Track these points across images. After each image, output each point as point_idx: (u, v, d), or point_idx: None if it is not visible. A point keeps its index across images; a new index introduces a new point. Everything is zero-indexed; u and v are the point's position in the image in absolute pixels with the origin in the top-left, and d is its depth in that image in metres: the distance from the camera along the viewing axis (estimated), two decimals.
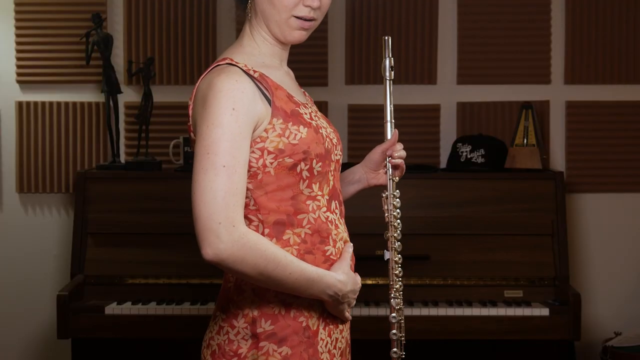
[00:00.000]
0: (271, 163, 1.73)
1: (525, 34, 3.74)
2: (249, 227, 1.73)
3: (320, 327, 1.81)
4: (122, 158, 3.66)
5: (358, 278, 1.86)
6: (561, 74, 3.75)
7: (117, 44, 3.67)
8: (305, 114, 1.81)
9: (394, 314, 1.94)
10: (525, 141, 3.52)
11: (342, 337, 1.88)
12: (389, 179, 1.98)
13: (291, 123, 1.75)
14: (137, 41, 3.71)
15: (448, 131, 3.74)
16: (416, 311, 3.08)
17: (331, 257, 1.81)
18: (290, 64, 1.95)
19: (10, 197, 3.74)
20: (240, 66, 1.76)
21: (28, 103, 3.70)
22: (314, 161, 1.77)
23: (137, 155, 3.56)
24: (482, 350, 3.25)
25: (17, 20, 3.69)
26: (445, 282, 3.23)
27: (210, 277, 3.21)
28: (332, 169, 1.84)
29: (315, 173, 1.78)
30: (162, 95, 3.68)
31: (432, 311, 3.10)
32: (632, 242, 3.76)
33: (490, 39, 3.74)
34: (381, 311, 3.06)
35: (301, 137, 1.75)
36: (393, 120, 2.00)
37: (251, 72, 1.76)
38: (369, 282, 3.14)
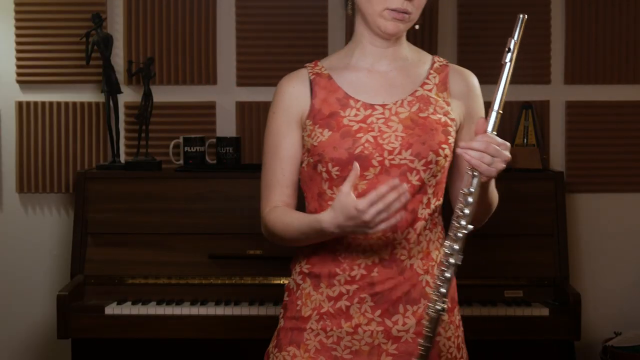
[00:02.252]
0: (305, 160, 1.92)
1: (525, 34, 3.72)
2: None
3: (314, 318, 1.88)
4: (122, 158, 3.66)
5: (348, 201, 1.70)
6: (561, 74, 3.75)
7: (117, 44, 3.67)
8: (348, 117, 1.86)
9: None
10: (525, 141, 3.52)
11: (355, 339, 1.87)
12: (467, 171, 1.78)
13: (318, 125, 1.87)
14: (137, 41, 3.71)
15: None
16: None
17: (340, 258, 1.87)
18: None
19: (10, 197, 3.74)
20: (309, 68, 1.95)
21: (28, 103, 3.70)
22: (330, 165, 1.84)
23: (137, 155, 3.56)
24: (482, 350, 3.24)
25: (17, 20, 3.69)
26: None
27: (210, 277, 3.21)
28: (367, 173, 1.83)
29: (334, 177, 1.85)
30: (162, 95, 3.68)
31: None
32: (632, 242, 3.76)
33: (490, 39, 3.74)
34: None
35: (321, 140, 1.86)
36: (500, 112, 1.82)
37: (314, 72, 1.93)
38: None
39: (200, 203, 3.28)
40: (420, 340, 1.77)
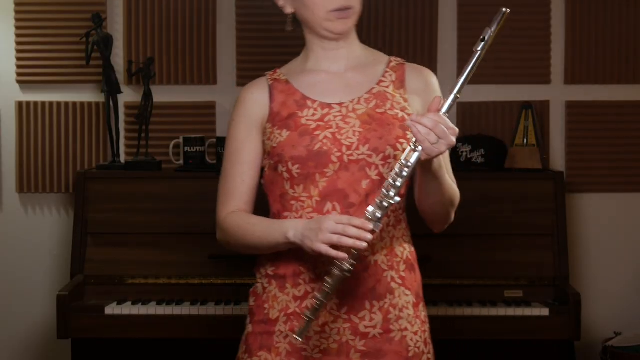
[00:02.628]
0: (267, 164, 1.95)
1: (525, 34, 3.74)
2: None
3: (281, 320, 1.90)
4: (122, 158, 3.66)
5: (320, 219, 1.75)
6: (561, 74, 3.75)
7: (117, 44, 3.67)
8: (306, 117, 1.90)
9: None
10: (525, 141, 3.52)
11: (323, 338, 1.88)
12: (410, 145, 1.75)
13: (277, 127, 1.92)
14: (137, 41, 3.71)
15: None
16: None
17: (304, 257, 1.88)
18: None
19: (10, 197, 3.74)
20: (269, 75, 2.02)
21: (28, 103, 3.70)
22: (290, 163, 1.87)
23: (137, 155, 3.56)
24: (482, 350, 3.25)
25: (17, 20, 3.69)
26: (445, 282, 3.23)
27: (210, 277, 3.21)
28: (327, 170, 1.86)
29: (295, 175, 1.88)
30: (162, 95, 3.68)
31: (432, 311, 3.08)
32: (632, 242, 3.76)
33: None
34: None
35: (280, 140, 1.90)
36: (459, 96, 1.76)
37: (273, 79, 1.99)
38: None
39: (200, 203, 3.27)
40: (319, 296, 1.76)
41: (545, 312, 3.10)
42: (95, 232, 3.29)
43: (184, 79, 3.73)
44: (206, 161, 3.54)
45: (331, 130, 1.88)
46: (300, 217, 1.87)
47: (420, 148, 1.72)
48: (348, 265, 1.74)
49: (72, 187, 3.69)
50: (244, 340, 1.97)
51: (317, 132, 1.88)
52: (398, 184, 1.74)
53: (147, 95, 3.54)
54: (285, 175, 1.89)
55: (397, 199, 1.74)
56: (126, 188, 3.34)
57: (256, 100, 1.97)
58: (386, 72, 1.97)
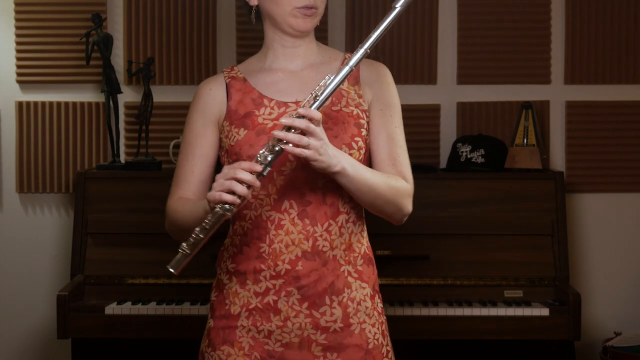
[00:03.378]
0: (225, 161, 1.97)
1: (525, 34, 3.74)
2: None
3: (243, 315, 1.93)
4: (122, 158, 3.66)
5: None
6: (561, 74, 3.75)
7: (117, 44, 3.67)
8: (262, 115, 1.92)
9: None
10: (525, 141, 3.52)
11: (285, 332, 1.91)
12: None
13: (234, 126, 1.93)
14: (137, 41, 3.71)
15: (448, 131, 3.74)
16: (416, 311, 3.08)
17: (264, 254, 1.91)
18: None
19: (10, 197, 3.74)
20: (226, 72, 2.03)
21: (28, 103, 3.70)
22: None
23: (137, 155, 3.56)
24: (482, 350, 3.25)
25: (17, 20, 3.69)
26: (445, 282, 3.23)
27: (210, 277, 3.20)
28: (284, 169, 1.89)
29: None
30: (162, 95, 3.68)
31: (432, 311, 3.10)
32: (632, 242, 3.76)
33: (490, 39, 3.74)
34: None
35: (237, 139, 1.92)
36: (368, 51, 1.82)
37: (230, 76, 2.00)
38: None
39: None
40: (197, 230, 1.81)
41: (545, 312, 3.10)
42: (95, 232, 3.29)
43: (184, 79, 3.73)
44: None
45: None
46: (259, 215, 1.91)
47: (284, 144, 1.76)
48: (233, 208, 1.77)
49: (72, 187, 3.69)
50: (206, 333, 2.02)
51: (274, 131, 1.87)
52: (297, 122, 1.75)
53: (147, 95, 3.54)
54: None
55: (290, 145, 1.75)
56: (126, 188, 3.34)
57: (213, 96, 1.99)
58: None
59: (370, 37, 1.83)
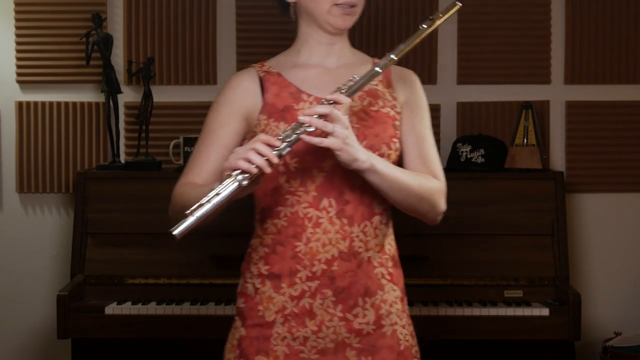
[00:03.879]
0: None
1: (525, 34, 3.74)
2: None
3: (278, 322, 1.88)
4: (122, 158, 3.66)
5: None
6: (561, 74, 3.75)
7: (117, 44, 3.67)
8: (302, 109, 1.88)
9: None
10: (525, 141, 3.52)
11: (320, 338, 1.88)
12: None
13: (273, 119, 1.89)
14: (137, 41, 3.71)
15: (448, 131, 3.74)
16: (416, 311, 3.08)
17: (299, 254, 1.87)
18: None
19: (10, 197, 3.74)
20: (257, 67, 1.99)
21: (28, 103, 3.70)
22: (288, 157, 1.83)
23: (137, 155, 3.56)
24: (482, 350, 3.25)
25: (17, 20, 3.69)
26: (445, 282, 3.23)
27: (210, 277, 3.21)
28: (324, 165, 1.86)
29: (292, 169, 1.87)
30: (162, 95, 3.68)
31: (432, 311, 3.10)
32: (632, 242, 3.76)
33: (490, 39, 3.74)
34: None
35: (277, 133, 1.82)
36: (395, 58, 1.84)
37: (263, 70, 1.96)
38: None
39: None
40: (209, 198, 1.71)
41: (545, 312, 3.10)
42: (95, 232, 3.29)
43: (184, 79, 3.73)
44: None
45: None
46: (296, 212, 1.87)
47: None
48: (247, 178, 1.70)
49: (72, 187, 3.69)
50: (237, 344, 1.93)
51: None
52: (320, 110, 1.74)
53: (147, 95, 3.54)
54: (282, 168, 1.86)
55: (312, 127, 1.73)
56: (126, 188, 3.34)
57: (245, 88, 1.95)
58: None
59: (400, 46, 1.85)
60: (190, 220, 1.70)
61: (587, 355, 3.67)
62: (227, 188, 1.70)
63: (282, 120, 1.88)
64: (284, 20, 4.02)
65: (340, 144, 1.73)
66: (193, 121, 3.72)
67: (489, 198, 3.31)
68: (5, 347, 3.75)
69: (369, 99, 1.93)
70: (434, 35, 3.72)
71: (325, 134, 1.74)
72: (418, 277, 3.20)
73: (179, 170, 3.45)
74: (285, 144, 1.73)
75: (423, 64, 3.73)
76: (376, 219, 1.91)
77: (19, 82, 3.72)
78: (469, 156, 3.51)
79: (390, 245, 1.97)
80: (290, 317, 1.88)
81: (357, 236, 1.88)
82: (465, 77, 3.75)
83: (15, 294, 3.73)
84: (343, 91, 1.79)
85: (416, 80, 2.03)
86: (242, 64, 3.71)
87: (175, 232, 1.71)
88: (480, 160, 3.49)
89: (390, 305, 1.93)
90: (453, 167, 3.53)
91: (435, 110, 3.75)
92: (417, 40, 1.86)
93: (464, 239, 3.26)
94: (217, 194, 1.70)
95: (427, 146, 1.97)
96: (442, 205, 1.95)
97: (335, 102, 1.76)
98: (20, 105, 3.70)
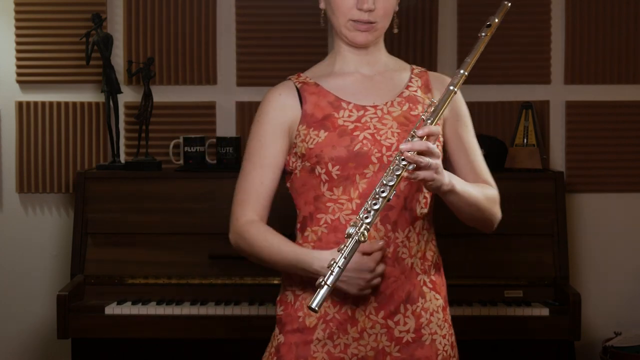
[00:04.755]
0: (298, 166, 1.92)
1: (525, 34, 3.74)
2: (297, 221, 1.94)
3: (320, 327, 1.86)
4: (122, 158, 3.66)
5: (366, 261, 1.78)
6: (561, 74, 3.75)
7: (117, 44, 3.67)
8: (342, 117, 1.88)
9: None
10: (525, 141, 3.52)
11: (361, 345, 1.87)
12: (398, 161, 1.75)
13: (313, 129, 1.88)
14: (137, 41, 3.71)
15: None
16: None
17: None
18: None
19: (10, 197, 3.74)
20: (294, 79, 1.97)
21: (28, 103, 3.70)
22: (329, 165, 1.85)
23: (137, 155, 3.56)
24: (482, 350, 3.25)
25: (17, 20, 3.69)
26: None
27: (210, 277, 3.21)
28: (367, 171, 1.85)
29: (335, 177, 1.86)
30: (162, 95, 3.68)
31: None
32: (632, 242, 3.76)
33: (490, 39, 3.73)
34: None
35: (317, 141, 1.86)
36: (466, 74, 1.89)
37: (300, 82, 1.95)
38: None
39: (200, 203, 3.27)
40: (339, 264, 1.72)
41: (545, 312, 3.10)
42: (95, 232, 3.29)
43: (184, 79, 3.72)
44: (206, 161, 3.54)
45: (370, 131, 1.87)
46: (337, 218, 1.86)
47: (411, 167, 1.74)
48: (365, 231, 1.72)
49: (72, 187, 3.69)
50: (275, 351, 1.91)
51: (356, 133, 1.87)
52: (384, 193, 1.74)
53: (147, 95, 3.54)
54: (324, 177, 1.87)
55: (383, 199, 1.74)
56: (126, 188, 3.34)
57: (283, 102, 1.93)
58: (412, 77, 1.99)
59: (466, 60, 1.91)
60: (324, 290, 1.71)
61: (587, 355, 3.67)
62: (348, 247, 1.71)
63: (322, 128, 1.88)
64: (284, 20, 4.03)
65: (432, 174, 1.74)
66: (193, 121, 3.72)
67: None
68: (5, 347, 3.75)
69: (408, 105, 1.93)
70: (433, 35, 3.72)
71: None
72: None
73: (179, 170, 3.47)
74: (390, 185, 1.73)
75: (423, 64, 3.72)
76: (419, 223, 1.90)
77: (19, 82, 3.72)
78: None
79: (432, 251, 1.96)
80: (332, 323, 1.87)
81: (402, 242, 1.88)
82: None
83: (15, 294, 3.73)
84: (428, 121, 1.78)
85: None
86: (242, 64, 3.72)
87: (314, 305, 1.71)
88: None
89: (431, 315, 1.92)
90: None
91: None
92: (481, 49, 1.89)
93: (464, 239, 3.25)
94: (345, 257, 1.71)
95: (477, 155, 1.98)
96: (499, 213, 1.99)
97: (429, 135, 1.76)
98: (20, 105, 3.70)
